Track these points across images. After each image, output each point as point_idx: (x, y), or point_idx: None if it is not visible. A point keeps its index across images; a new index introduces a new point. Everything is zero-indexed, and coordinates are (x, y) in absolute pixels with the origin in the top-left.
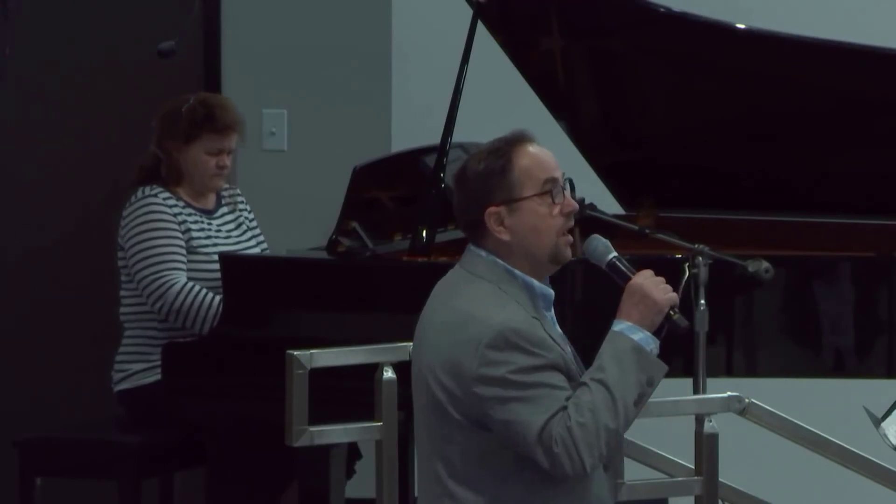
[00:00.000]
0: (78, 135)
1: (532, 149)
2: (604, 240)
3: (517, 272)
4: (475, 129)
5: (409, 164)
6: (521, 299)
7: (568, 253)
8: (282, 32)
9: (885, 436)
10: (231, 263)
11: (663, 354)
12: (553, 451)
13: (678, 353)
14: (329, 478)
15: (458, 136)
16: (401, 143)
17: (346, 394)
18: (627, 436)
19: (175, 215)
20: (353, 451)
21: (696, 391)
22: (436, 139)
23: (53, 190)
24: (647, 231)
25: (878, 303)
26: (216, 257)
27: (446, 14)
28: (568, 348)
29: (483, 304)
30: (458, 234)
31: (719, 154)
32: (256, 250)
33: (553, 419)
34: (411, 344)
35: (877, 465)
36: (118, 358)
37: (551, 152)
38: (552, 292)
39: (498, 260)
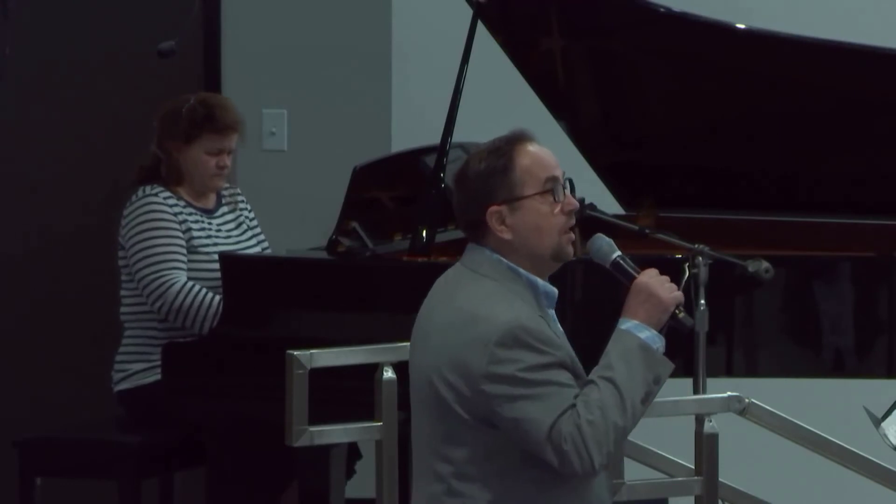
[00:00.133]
0: (78, 135)
1: (532, 148)
2: (608, 239)
3: (521, 270)
4: (475, 129)
5: (409, 164)
6: (526, 297)
7: (570, 250)
8: (282, 32)
9: (885, 436)
10: (231, 263)
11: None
12: (563, 449)
13: (678, 352)
14: (329, 478)
15: (458, 136)
16: (401, 143)
17: (346, 394)
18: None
19: (176, 214)
20: (353, 451)
21: (696, 391)
22: (436, 139)
23: (53, 190)
24: (647, 231)
25: (878, 303)
26: (216, 257)
27: (446, 14)
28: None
29: (489, 301)
30: (458, 234)
31: (719, 154)
32: (257, 249)
33: (562, 417)
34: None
35: (877, 465)
36: (118, 358)
37: (551, 152)
38: (555, 290)
39: (502, 258)
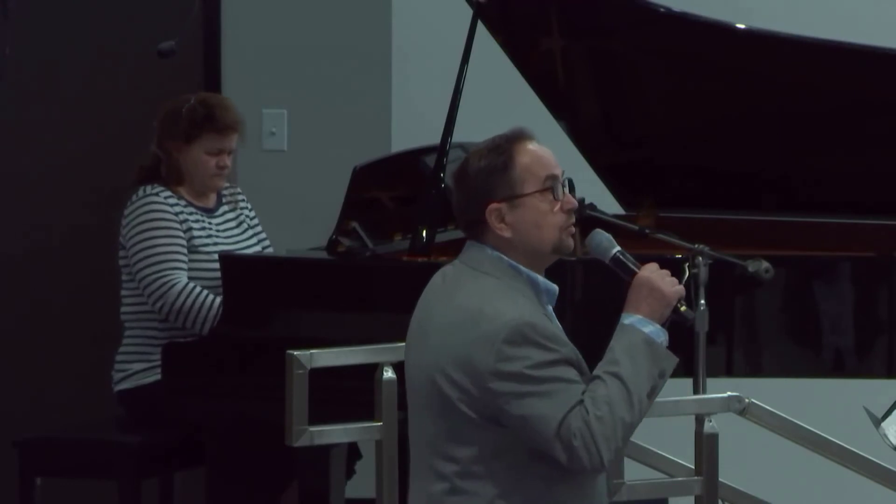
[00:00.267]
0: (78, 135)
1: (532, 146)
2: (607, 234)
3: (522, 268)
4: (475, 129)
5: (409, 164)
6: (527, 294)
7: (570, 242)
8: (282, 32)
9: (885, 436)
10: (231, 263)
11: None
12: (572, 445)
13: (678, 352)
14: (329, 478)
15: (458, 136)
16: (401, 143)
17: (346, 394)
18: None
19: (177, 214)
20: (353, 451)
21: (696, 391)
22: (436, 139)
23: (53, 190)
24: (647, 231)
25: (878, 303)
26: (217, 256)
27: (446, 14)
28: None
29: (493, 299)
30: (459, 234)
31: (719, 154)
32: (258, 248)
33: (571, 413)
34: None
35: (877, 465)
36: (118, 357)
37: (550, 150)
38: (556, 288)
39: (502, 256)
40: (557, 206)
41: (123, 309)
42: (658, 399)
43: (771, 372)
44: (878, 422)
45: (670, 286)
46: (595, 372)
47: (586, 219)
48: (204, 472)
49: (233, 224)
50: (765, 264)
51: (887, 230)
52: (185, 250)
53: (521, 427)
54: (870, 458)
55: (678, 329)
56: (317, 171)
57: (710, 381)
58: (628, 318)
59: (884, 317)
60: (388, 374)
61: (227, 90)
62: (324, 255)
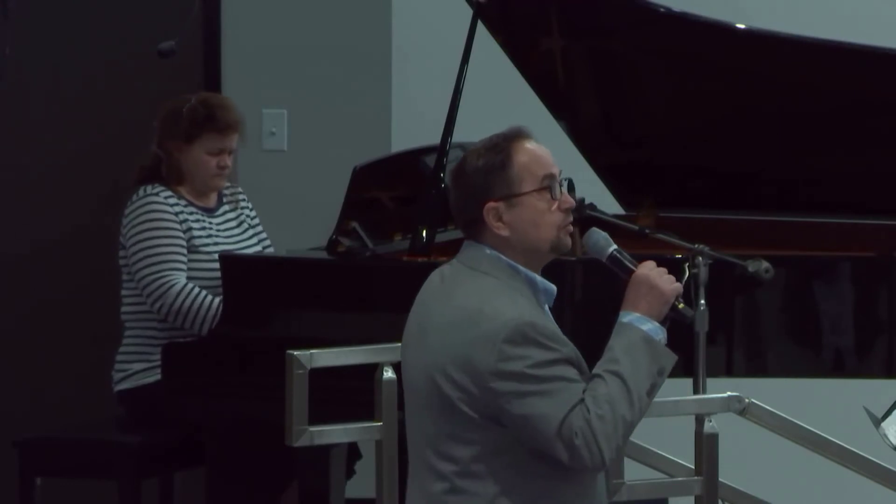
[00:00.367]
0: (78, 135)
1: (530, 145)
2: (603, 233)
3: (520, 267)
4: (475, 129)
5: (409, 164)
6: (526, 294)
7: (568, 241)
8: (282, 32)
9: (885, 436)
10: (231, 263)
11: None
12: (574, 444)
13: (678, 352)
14: (329, 478)
15: (458, 136)
16: (401, 143)
17: (346, 394)
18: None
19: (177, 214)
20: (353, 451)
21: (696, 391)
22: (436, 139)
23: (53, 190)
24: (647, 231)
25: (878, 303)
26: (217, 256)
27: (446, 14)
28: None
29: (492, 298)
30: (458, 234)
31: (719, 154)
32: (259, 248)
33: (572, 412)
34: None
35: (877, 465)
36: (119, 357)
37: (549, 150)
38: (554, 287)
39: (500, 255)
40: (555, 206)
41: (123, 309)
42: (658, 399)
43: (771, 372)
44: (878, 422)
45: (668, 284)
46: (595, 370)
47: (586, 219)
48: (204, 472)
49: (233, 224)
50: (765, 264)
51: (887, 230)
52: (184, 251)
53: (523, 426)
54: (870, 458)
55: (678, 329)
56: (317, 171)
57: (710, 381)
58: (627, 316)
59: (884, 317)
60: (388, 374)
61: (227, 90)
62: (324, 255)
